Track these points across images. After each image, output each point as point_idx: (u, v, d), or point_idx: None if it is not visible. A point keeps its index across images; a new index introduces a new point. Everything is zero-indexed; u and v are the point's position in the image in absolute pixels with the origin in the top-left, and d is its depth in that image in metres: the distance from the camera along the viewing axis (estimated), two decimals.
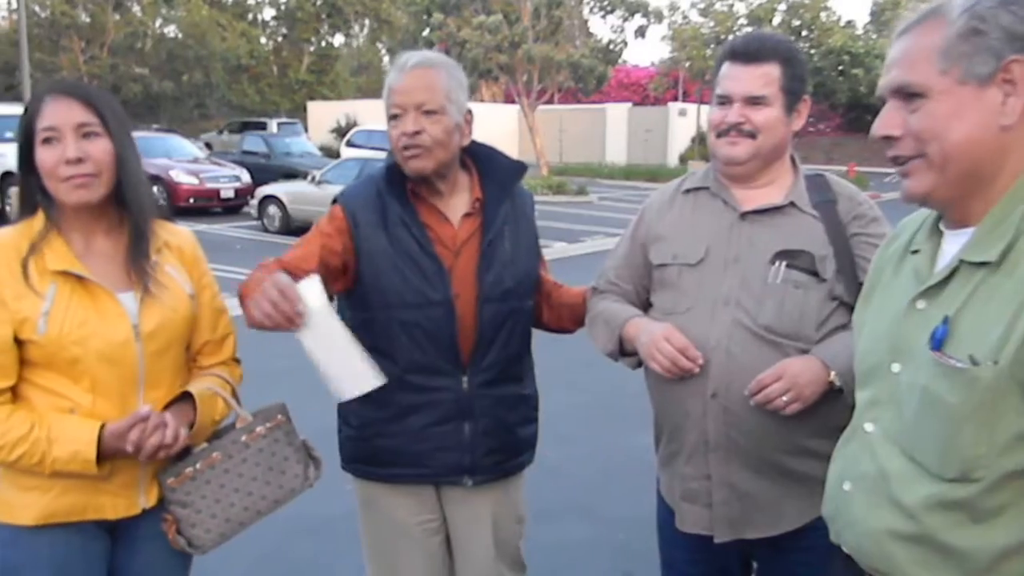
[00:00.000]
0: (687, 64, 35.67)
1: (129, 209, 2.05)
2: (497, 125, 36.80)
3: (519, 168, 2.51)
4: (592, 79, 25.05)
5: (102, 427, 1.93)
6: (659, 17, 25.94)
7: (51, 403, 1.98)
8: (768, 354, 2.06)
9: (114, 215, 2.07)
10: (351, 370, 2.06)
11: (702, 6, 37.17)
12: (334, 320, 2.02)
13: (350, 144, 24.35)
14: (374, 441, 2.41)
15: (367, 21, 52.69)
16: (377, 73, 52.38)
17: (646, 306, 2.33)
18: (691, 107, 35.16)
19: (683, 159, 33.59)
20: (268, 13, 51.70)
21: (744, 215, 2.18)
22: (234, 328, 2.29)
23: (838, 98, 36.53)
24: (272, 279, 1.97)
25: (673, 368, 2.07)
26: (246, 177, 19.04)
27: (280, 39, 50.82)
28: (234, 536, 2.13)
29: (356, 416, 2.43)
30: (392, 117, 2.30)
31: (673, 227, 2.27)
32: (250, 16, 49.82)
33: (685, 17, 37.88)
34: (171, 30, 43.12)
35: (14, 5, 25.52)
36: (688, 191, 2.31)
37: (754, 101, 2.13)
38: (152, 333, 2.03)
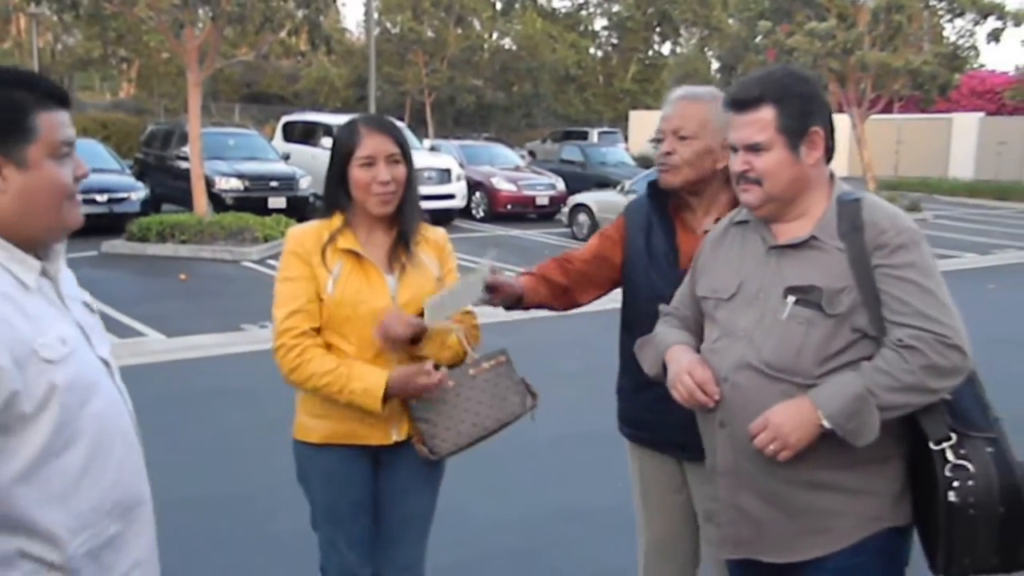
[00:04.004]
0: None
1: (403, 214, 2.70)
2: None
3: None
4: (934, 87, 22.86)
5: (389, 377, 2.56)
6: (1018, 20, 22.91)
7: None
8: (769, 389, 2.12)
9: (388, 216, 2.69)
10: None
11: None
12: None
13: None
14: (621, 406, 2.96)
15: (696, 29, 52.30)
16: (703, 82, 51.77)
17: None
18: None
19: None
20: (599, 23, 52.89)
21: (771, 249, 2.23)
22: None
23: None
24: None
25: (690, 400, 2.22)
26: (561, 185, 19.53)
27: (609, 48, 51.78)
28: (466, 447, 2.69)
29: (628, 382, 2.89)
30: (656, 140, 2.73)
31: (719, 260, 2.36)
32: (581, 27, 51.15)
33: None
34: (506, 42, 45.20)
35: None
36: (739, 223, 2.37)
37: (753, 148, 2.17)
38: (405, 304, 2.64)
